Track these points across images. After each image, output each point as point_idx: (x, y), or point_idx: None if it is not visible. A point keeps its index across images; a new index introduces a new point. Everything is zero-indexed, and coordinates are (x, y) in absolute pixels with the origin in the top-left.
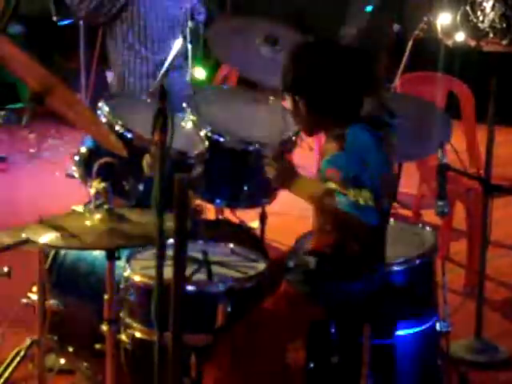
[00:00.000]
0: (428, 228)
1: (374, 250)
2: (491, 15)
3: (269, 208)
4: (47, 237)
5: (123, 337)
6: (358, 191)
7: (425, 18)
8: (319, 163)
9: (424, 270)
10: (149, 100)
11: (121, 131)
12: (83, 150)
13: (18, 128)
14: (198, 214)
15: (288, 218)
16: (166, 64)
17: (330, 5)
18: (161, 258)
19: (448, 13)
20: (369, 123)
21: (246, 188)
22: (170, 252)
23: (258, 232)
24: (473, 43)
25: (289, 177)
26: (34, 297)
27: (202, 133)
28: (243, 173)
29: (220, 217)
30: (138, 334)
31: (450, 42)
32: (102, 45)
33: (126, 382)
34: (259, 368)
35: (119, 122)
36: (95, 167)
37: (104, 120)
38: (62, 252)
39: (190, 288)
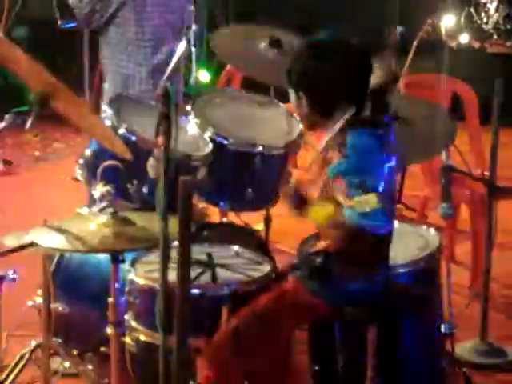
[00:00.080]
0: (433, 230)
1: (380, 251)
2: (495, 17)
3: (273, 210)
4: (52, 240)
5: (128, 340)
6: (364, 198)
7: (429, 20)
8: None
9: (429, 271)
10: (153, 103)
11: (125, 134)
12: (88, 153)
13: (23, 131)
14: (203, 217)
15: (292, 221)
16: (169, 68)
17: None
18: (165, 261)
19: (452, 14)
20: (368, 124)
21: (250, 190)
22: (174, 255)
23: (262, 234)
24: (477, 45)
25: (301, 209)
26: (39, 300)
27: (206, 135)
28: (247, 175)
29: (224, 219)
30: (142, 337)
31: (454, 44)
32: None
33: None
34: (266, 365)
35: (123, 125)
36: (100, 170)
37: (108, 123)
38: (67, 255)
39: (194, 291)
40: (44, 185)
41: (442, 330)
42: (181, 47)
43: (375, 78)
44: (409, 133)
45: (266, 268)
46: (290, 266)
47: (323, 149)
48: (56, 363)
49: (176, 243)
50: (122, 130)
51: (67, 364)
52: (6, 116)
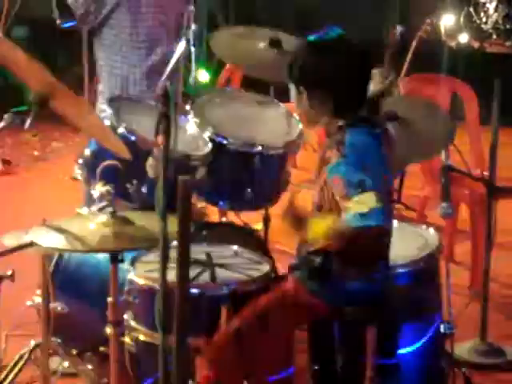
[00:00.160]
0: (432, 229)
1: (379, 251)
2: (494, 16)
3: (272, 210)
4: (51, 240)
5: (127, 339)
6: (362, 197)
7: (428, 20)
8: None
9: (428, 271)
10: (152, 103)
11: (124, 134)
12: (87, 152)
13: (22, 131)
14: (202, 217)
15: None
16: (169, 68)
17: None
18: (165, 261)
19: (451, 14)
20: (367, 123)
21: (249, 190)
22: (174, 254)
23: (261, 234)
24: (476, 44)
25: (301, 227)
26: (38, 299)
27: (206, 135)
28: (247, 175)
29: (223, 219)
30: (141, 337)
31: (453, 44)
32: None
33: None
34: (266, 364)
35: (123, 125)
36: (99, 170)
37: (108, 123)
38: (66, 255)
39: (193, 290)
40: (43, 184)
41: (442, 330)
42: (180, 47)
43: (375, 84)
44: (408, 132)
45: (266, 268)
46: (289, 267)
47: (322, 148)
48: (55, 363)
49: (175, 243)
50: (121, 130)
51: (66, 364)
52: (5, 116)
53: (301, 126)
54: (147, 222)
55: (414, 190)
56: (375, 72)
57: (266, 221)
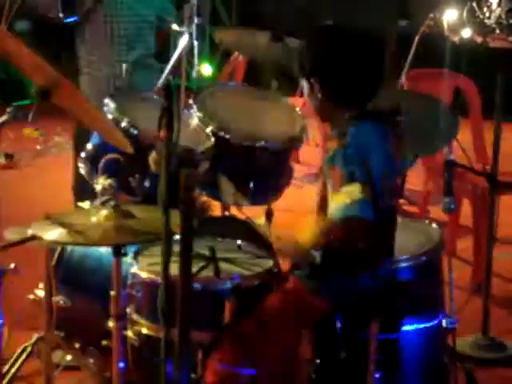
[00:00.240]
0: (434, 224)
1: (380, 246)
2: (498, 11)
3: (275, 204)
4: (54, 233)
5: (130, 333)
6: (347, 188)
7: (431, 15)
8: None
9: (430, 266)
10: (155, 97)
11: (127, 128)
12: (89, 146)
13: (24, 125)
14: (205, 211)
15: (294, 215)
16: (172, 62)
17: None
18: (167, 255)
19: (454, 9)
20: (377, 118)
21: (252, 184)
22: (177, 248)
23: (264, 228)
24: (479, 39)
25: (303, 254)
26: (41, 293)
27: (208, 129)
28: (249, 169)
29: (226, 213)
30: (144, 331)
31: (456, 39)
32: None
33: (132, 379)
34: (266, 364)
35: (125, 119)
36: (101, 164)
37: (110, 117)
38: (69, 248)
39: (197, 285)
40: (45, 178)
41: (444, 324)
42: (183, 41)
43: None
44: (411, 127)
45: (269, 262)
46: (291, 265)
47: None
48: (58, 356)
49: (178, 237)
50: (123, 124)
51: (69, 357)
52: (8, 109)
53: (304, 120)
54: (150, 215)
55: (416, 185)
56: None
57: (269, 215)
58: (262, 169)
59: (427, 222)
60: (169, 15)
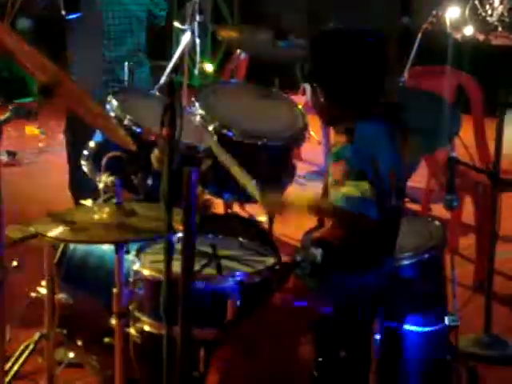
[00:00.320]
0: (437, 222)
1: (383, 244)
2: (500, 9)
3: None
4: (56, 231)
5: (132, 330)
6: (356, 183)
7: (433, 12)
8: (327, 157)
9: (433, 264)
10: (157, 94)
11: (129, 125)
12: (92, 144)
13: (27, 123)
14: (207, 209)
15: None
16: (174, 59)
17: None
18: (169, 252)
19: (457, 6)
20: (384, 117)
21: (254, 182)
22: (179, 246)
23: (266, 226)
24: (481, 37)
25: (280, 206)
26: (43, 291)
27: (211, 127)
28: (252, 167)
29: (229, 211)
30: (147, 328)
31: (458, 36)
32: None
33: (134, 376)
34: (268, 363)
35: (128, 117)
36: (104, 161)
37: (113, 114)
38: (71, 246)
39: (199, 282)
40: (48, 176)
41: (446, 322)
42: (185, 39)
43: None
44: (413, 124)
45: (271, 259)
46: (292, 263)
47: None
48: (60, 354)
49: (180, 234)
50: (126, 122)
51: (71, 355)
52: (10, 107)
53: (306, 118)
54: (152, 213)
55: (419, 183)
56: None
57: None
58: (264, 167)
59: (429, 219)
60: (161, 11)
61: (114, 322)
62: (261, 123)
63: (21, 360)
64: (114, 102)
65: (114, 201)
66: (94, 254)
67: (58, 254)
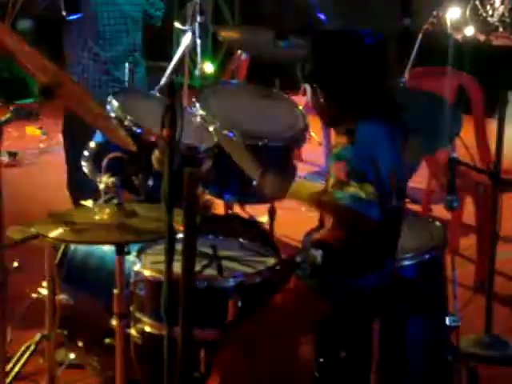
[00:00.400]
0: (437, 222)
1: (384, 245)
2: (501, 9)
3: (278, 203)
4: (57, 232)
5: (133, 331)
6: (360, 185)
7: (434, 13)
8: (328, 158)
9: (434, 264)
10: (158, 95)
11: (130, 126)
12: (93, 144)
13: (28, 123)
14: (208, 209)
15: (297, 213)
16: (175, 59)
17: None
18: (170, 253)
19: (457, 7)
20: (385, 117)
21: (255, 183)
22: (179, 247)
23: (267, 227)
24: (482, 37)
25: (281, 188)
26: (44, 291)
27: (211, 128)
28: None
29: (229, 212)
30: (147, 329)
31: (459, 37)
32: None
33: (135, 377)
34: (268, 363)
35: (128, 117)
36: (104, 162)
37: (113, 115)
38: (72, 247)
39: (200, 283)
40: (49, 177)
41: (447, 322)
42: (186, 39)
43: None
44: (414, 125)
45: (271, 260)
46: (292, 264)
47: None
48: (61, 354)
49: (181, 235)
50: (126, 122)
51: (72, 355)
52: (11, 108)
53: (306, 119)
54: (153, 214)
55: (419, 183)
56: None
57: (272, 213)
58: (265, 167)
59: (430, 219)
60: (157, 11)
61: (114, 322)
62: (261, 124)
63: (22, 361)
64: (115, 103)
65: (115, 201)
66: (95, 255)
67: (59, 254)
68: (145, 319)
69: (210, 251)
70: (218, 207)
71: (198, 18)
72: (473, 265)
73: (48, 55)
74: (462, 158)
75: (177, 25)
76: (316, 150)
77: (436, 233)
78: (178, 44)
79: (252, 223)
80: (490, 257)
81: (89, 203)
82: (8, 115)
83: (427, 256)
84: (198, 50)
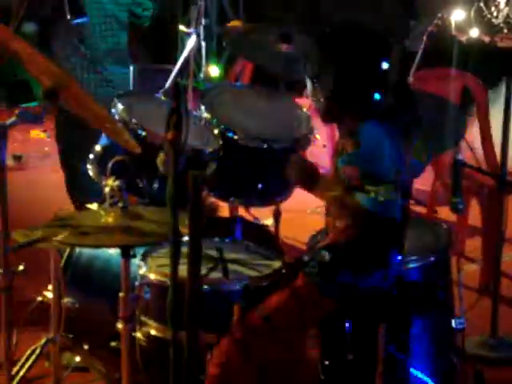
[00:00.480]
0: (443, 225)
1: (390, 244)
2: (505, 11)
3: (283, 205)
4: (62, 235)
5: (138, 335)
6: (377, 188)
7: (439, 14)
8: (333, 160)
9: (439, 266)
10: (163, 98)
11: (135, 129)
12: (98, 148)
13: (32, 126)
14: (213, 212)
15: (302, 215)
16: (180, 62)
17: None
18: (175, 256)
19: (462, 9)
20: (385, 117)
21: (260, 185)
22: (185, 250)
23: (272, 229)
24: (487, 39)
25: (310, 179)
26: (50, 295)
27: (216, 130)
28: (257, 170)
29: (234, 214)
30: (153, 332)
31: (464, 38)
32: None
33: (141, 380)
34: (273, 362)
35: (133, 120)
36: (109, 165)
37: (118, 118)
38: (77, 250)
39: (205, 286)
40: (53, 180)
41: (453, 325)
42: (191, 42)
43: None
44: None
45: (277, 263)
46: (300, 263)
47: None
48: (66, 358)
49: (186, 238)
50: (131, 125)
51: (78, 359)
52: (16, 111)
53: (311, 121)
54: (158, 217)
55: (425, 185)
56: None
57: (277, 216)
58: (269, 169)
59: (435, 222)
60: (145, 11)
61: (120, 326)
62: (266, 126)
63: (27, 364)
64: (120, 106)
65: (120, 204)
66: (100, 258)
67: (64, 258)
68: (150, 322)
69: (215, 254)
70: (223, 210)
71: (203, 21)
72: (478, 267)
73: (52, 58)
74: (467, 159)
75: (181, 27)
76: (321, 152)
77: (441, 235)
78: (183, 47)
79: (257, 226)
80: (496, 259)
81: (94, 206)
82: (13, 119)
83: (432, 258)
84: (203, 52)
